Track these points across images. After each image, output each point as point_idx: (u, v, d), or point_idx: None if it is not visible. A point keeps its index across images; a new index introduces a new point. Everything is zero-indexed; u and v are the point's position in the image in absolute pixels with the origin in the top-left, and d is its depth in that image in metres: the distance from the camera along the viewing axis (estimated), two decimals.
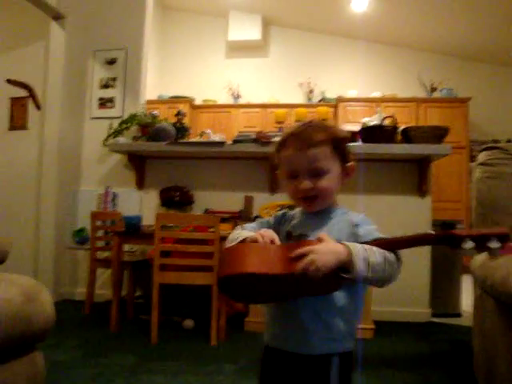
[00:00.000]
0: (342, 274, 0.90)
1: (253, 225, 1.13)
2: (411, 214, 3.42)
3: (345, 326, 1.01)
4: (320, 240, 0.92)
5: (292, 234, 1.07)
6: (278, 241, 0.96)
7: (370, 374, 2.25)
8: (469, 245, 0.89)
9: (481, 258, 1.76)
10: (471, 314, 3.39)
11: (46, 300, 1.59)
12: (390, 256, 0.93)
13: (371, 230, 1.01)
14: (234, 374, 2.21)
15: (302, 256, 0.87)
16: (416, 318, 3.32)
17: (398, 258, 0.95)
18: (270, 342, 1.07)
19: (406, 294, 3.31)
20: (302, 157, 1.02)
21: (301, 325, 0.99)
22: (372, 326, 2.92)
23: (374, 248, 0.92)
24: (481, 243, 0.89)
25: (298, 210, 1.14)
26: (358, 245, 0.92)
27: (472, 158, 6.30)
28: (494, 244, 0.89)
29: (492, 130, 6.64)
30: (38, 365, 1.61)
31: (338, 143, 1.06)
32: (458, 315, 3.52)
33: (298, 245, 0.91)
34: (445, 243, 0.93)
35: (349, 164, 1.08)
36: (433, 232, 0.96)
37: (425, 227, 3.40)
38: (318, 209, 1.06)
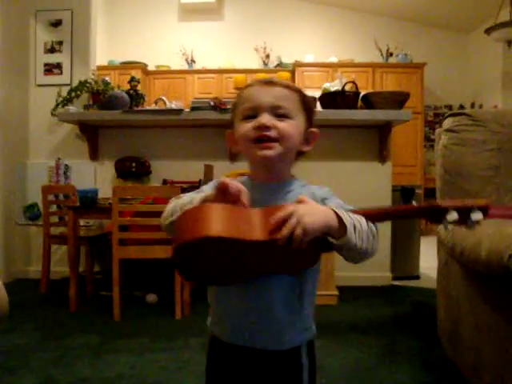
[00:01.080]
0: (332, 239, 0.79)
1: (192, 194, 0.91)
2: (372, 179, 3.44)
3: (312, 311, 0.94)
4: (300, 202, 0.78)
5: None
6: (246, 199, 0.80)
7: (336, 341, 2.28)
8: (453, 216, 0.85)
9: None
10: (430, 276, 3.54)
11: None
12: (372, 226, 0.83)
13: (342, 204, 0.90)
14: (201, 349, 2.16)
15: (284, 221, 0.73)
16: (378, 282, 3.39)
17: (377, 230, 0.85)
18: (225, 338, 0.93)
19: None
20: (268, 91, 0.91)
21: (273, 318, 0.88)
22: (336, 293, 2.95)
23: (357, 216, 0.81)
24: (464, 215, 0.85)
25: (243, 181, 0.94)
26: (342, 211, 0.79)
27: (426, 123, 6.44)
28: (477, 216, 0.85)
29: (445, 95, 6.77)
30: None
31: (306, 100, 0.95)
32: (417, 277, 3.63)
33: (276, 209, 0.76)
34: (428, 216, 0.89)
35: (313, 129, 0.97)
36: (416, 204, 0.91)
37: (385, 193, 3.44)
38: (273, 157, 0.89)
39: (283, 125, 0.89)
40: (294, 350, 0.91)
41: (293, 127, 0.90)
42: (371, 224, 0.83)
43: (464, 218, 0.85)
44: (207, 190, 0.94)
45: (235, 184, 0.80)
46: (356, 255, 0.82)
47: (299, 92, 0.95)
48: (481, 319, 1.54)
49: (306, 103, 0.95)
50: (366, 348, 2.19)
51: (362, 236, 0.79)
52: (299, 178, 0.98)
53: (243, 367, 0.92)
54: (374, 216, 0.86)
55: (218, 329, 0.95)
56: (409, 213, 0.94)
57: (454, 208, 0.84)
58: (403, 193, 3.62)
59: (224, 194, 0.79)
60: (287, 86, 0.93)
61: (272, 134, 0.88)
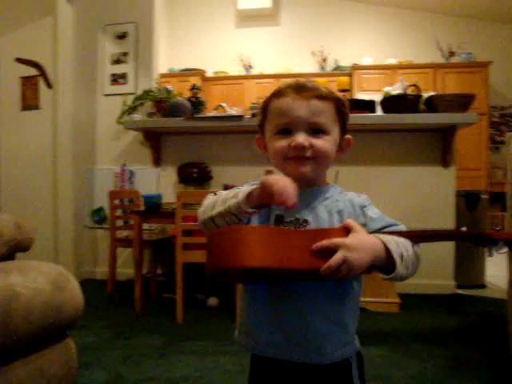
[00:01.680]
0: (378, 273, 0.77)
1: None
2: (435, 184, 3.33)
3: (354, 323, 0.89)
4: (348, 229, 0.75)
5: (284, 218, 0.86)
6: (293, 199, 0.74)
7: (399, 350, 2.23)
8: (502, 249, 0.82)
9: None
10: (497, 285, 3.39)
11: (74, 288, 1.57)
12: (416, 249, 0.81)
13: (381, 214, 0.88)
14: None
15: (328, 249, 0.71)
16: (440, 290, 3.27)
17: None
18: (263, 351, 0.88)
19: (430, 266, 3.24)
20: (304, 106, 0.85)
21: (310, 330, 0.83)
22: (397, 300, 2.88)
23: (402, 240, 0.79)
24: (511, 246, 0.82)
25: None
26: (389, 237, 0.77)
27: (491, 124, 6.16)
28: None
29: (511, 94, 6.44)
30: (71, 351, 1.60)
31: (342, 106, 0.91)
32: (483, 286, 3.48)
33: (320, 233, 0.74)
34: (474, 241, 0.86)
35: (347, 136, 0.93)
36: (465, 230, 0.88)
37: (448, 198, 3.33)
38: (307, 174, 0.87)
39: (320, 143, 0.86)
40: (343, 364, 0.87)
41: (329, 143, 0.88)
42: (416, 247, 0.81)
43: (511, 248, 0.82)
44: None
45: (285, 189, 0.74)
46: (397, 280, 0.80)
47: (335, 100, 0.90)
48: None
49: (342, 110, 0.91)
50: (431, 359, 2.12)
51: (408, 264, 0.77)
52: (334, 185, 0.94)
53: (284, 382, 0.88)
54: (418, 238, 0.84)
55: (250, 341, 0.90)
56: (456, 237, 0.92)
57: (504, 240, 0.81)
58: (467, 198, 3.48)
59: (270, 196, 0.75)
60: (323, 97, 0.87)
61: (308, 153, 0.85)
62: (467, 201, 3.50)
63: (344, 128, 0.93)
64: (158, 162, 3.73)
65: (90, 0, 3.83)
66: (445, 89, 5.84)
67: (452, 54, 6.17)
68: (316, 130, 0.86)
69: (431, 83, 5.99)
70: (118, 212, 3.49)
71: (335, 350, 0.85)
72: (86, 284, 3.61)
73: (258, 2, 6.63)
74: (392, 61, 6.24)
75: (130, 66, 3.84)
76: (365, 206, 0.89)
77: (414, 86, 3.16)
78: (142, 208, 2.96)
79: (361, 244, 0.72)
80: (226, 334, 2.46)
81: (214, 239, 0.74)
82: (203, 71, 6.51)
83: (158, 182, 3.73)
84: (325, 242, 0.71)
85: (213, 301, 2.95)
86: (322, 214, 0.86)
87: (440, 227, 3.18)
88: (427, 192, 3.33)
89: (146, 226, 3.45)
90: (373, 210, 0.88)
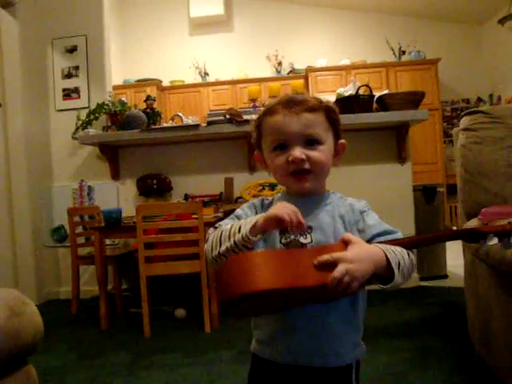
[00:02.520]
0: (378, 283, 0.80)
1: (228, 221, 0.94)
2: (392, 181, 3.43)
3: (362, 325, 0.94)
4: (347, 242, 0.78)
5: (287, 229, 0.84)
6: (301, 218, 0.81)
7: (367, 345, 2.26)
8: (493, 241, 0.85)
9: (471, 224, 1.76)
10: (458, 274, 3.49)
11: (32, 311, 1.52)
12: (412, 257, 0.85)
13: (379, 220, 0.92)
14: (233, 361, 2.18)
15: (329, 263, 0.74)
16: (405, 284, 3.34)
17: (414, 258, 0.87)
18: (278, 359, 0.90)
19: None
20: (296, 121, 0.89)
21: (329, 332, 0.87)
22: None
23: (399, 249, 0.82)
24: (502, 237, 0.85)
25: (279, 197, 0.98)
26: (386, 246, 0.81)
27: (444, 119, 6.37)
28: None
29: (462, 89, 6.69)
30: (32, 378, 1.54)
31: (332, 114, 0.94)
32: (445, 277, 3.58)
33: (323, 249, 0.77)
34: (466, 238, 0.90)
35: (341, 141, 0.97)
36: (455, 228, 0.92)
37: (406, 194, 3.42)
38: (309, 188, 0.91)
39: (315, 154, 0.89)
40: (349, 367, 0.90)
41: (324, 153, 0.91)
42: (411, 255, 0.85)
43: (501, 240, 0.85)
44: (242, 215, 0.95)
45: (289, 215, 0.79)
46: (393, 288, 0.82)
47: (324, 109, 0.92)
48: None
49: (332, 117, 0.94)
50: (397, 352, 2.17)
51: (405, 272, 0.81)
52: (333, 191, 0.98)
53: None
54: (415, 244, 0.87)
55: (269, 350, 0.92)
56: (448, 237, 0.95)
57: (494, 232, 0.85)
58: (425, 192, 3.58)
59: (278, 223, 0.80)
60: (313, 109, 0.90)
61: (306, 165, 0.89)
62: (425, 194, 3.60)
63: (337, 134, 0.96)
64: (116, 175, 3.67)
65: (35, 13, 3.72)
66: (398, 86, 6.02)
67: (403, 52, 6.36)
68: (310, 142, 0.90)
69: (384, 81, 6.16)
70: (79, 229, 3.42)
71: (349, 352, 0.90)
72: (50, 305, 3.52)
73: (211, 9, 6.66)
74: (346, 61, 6.37)
75: (82, 80, 3.77)
76: (364, 212, 0.92)
77: (366, 86, 3.23)
78: (103, 224, 2.91)
79: (360, 255, 0.76)
80: (194, 345, 2.44)
81: (222, 271, 0.77)
82: (159, 81, 6.47)
83: (118, 196, 3.67)
84: (326, 257, 0.74)
85: (180, 312, 2.92)
86: (325, 219, 0.90)
87: (401, 221, 3.25)
88: (386, 189, 3.41)
89: (108, 241, 3.40)
90: (372, 216, 0.92)
